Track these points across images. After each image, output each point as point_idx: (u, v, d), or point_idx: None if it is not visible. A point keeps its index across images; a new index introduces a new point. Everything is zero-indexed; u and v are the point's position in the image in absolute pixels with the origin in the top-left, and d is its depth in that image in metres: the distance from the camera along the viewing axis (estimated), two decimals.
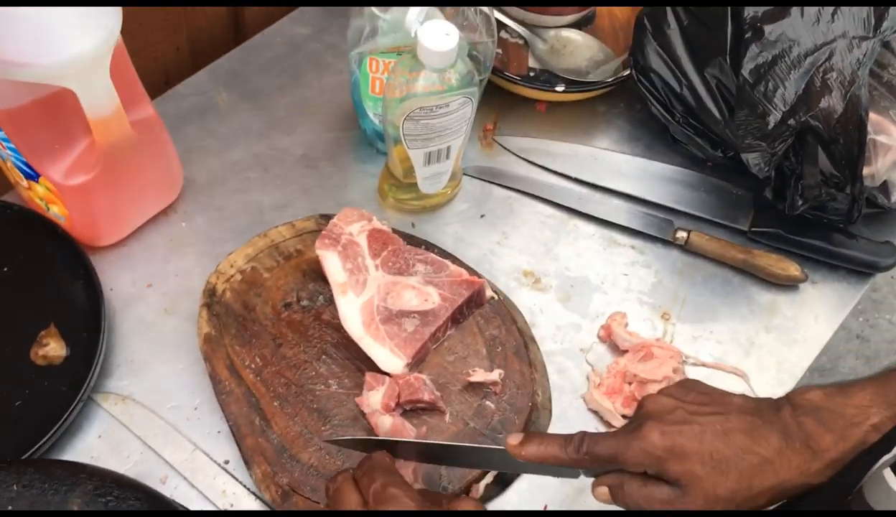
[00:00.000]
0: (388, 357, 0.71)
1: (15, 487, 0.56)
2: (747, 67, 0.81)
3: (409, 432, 0.70)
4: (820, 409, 0.56)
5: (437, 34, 0.70)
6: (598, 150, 0.94)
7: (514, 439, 0.60)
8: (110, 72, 0.67)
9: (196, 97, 0.93)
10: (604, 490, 0.59)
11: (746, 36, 0.80)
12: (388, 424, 0.69)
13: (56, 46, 0.62)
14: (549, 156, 0.93)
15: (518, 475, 0.72)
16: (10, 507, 0.55)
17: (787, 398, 0.58)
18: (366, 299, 0.73)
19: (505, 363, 0.74)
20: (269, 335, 0.75)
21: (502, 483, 0.71)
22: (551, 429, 0.75)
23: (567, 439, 0.59)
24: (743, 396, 0.59)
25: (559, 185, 0.91)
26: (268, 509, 0.68)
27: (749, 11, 0.80)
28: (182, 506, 0.64)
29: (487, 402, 0.72)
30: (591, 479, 0.61)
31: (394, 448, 0.62)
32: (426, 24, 0.71)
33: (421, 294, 0.74)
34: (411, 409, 0.72)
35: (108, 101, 0.68)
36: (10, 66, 0.62)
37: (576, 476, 0.61)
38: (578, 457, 0.58)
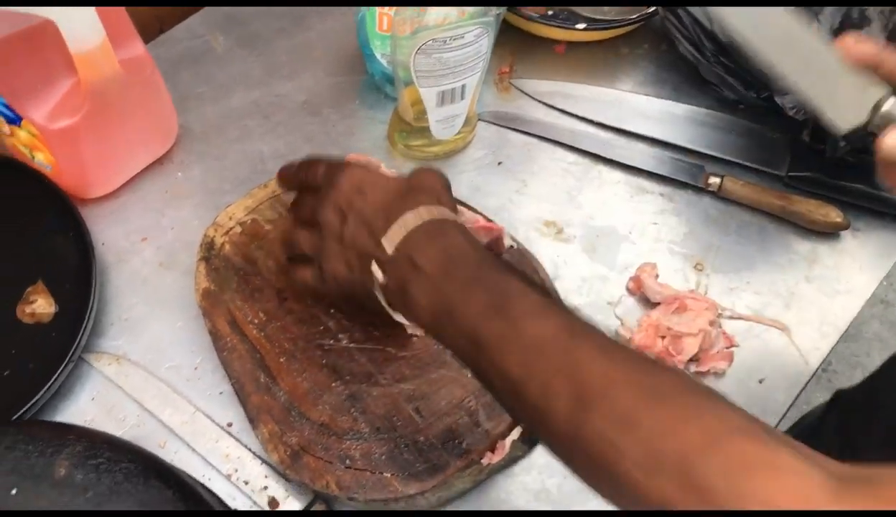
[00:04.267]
0: None
1: None
2: None
3: None
4: None
5: None
6: (621, 92, 0.88)
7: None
8: (95, 5, 0.61)
9: (190, 42, 0.88)
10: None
11: None
12: None
13: None
14: (570, 99, 0.87)
15: None
16: None
17: None
18: None
19: None
20: (273, 289, 0.69)
21: (530, 441, 0.66)
22: None
23: None
24: None
25: (581, 130, 0.85)
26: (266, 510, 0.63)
27: None
28: (183, 470, 0.59)
29: None
30: None
31: None
32: None
33: None
34: None
35: (92, 33, 0.62)
36: None
37: None
38: None
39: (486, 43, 0.71)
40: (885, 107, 0.52)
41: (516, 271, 0.53)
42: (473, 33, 0.69)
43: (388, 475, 0.61)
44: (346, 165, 0.61)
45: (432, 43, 0.68)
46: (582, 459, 0.43)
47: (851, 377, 1.65)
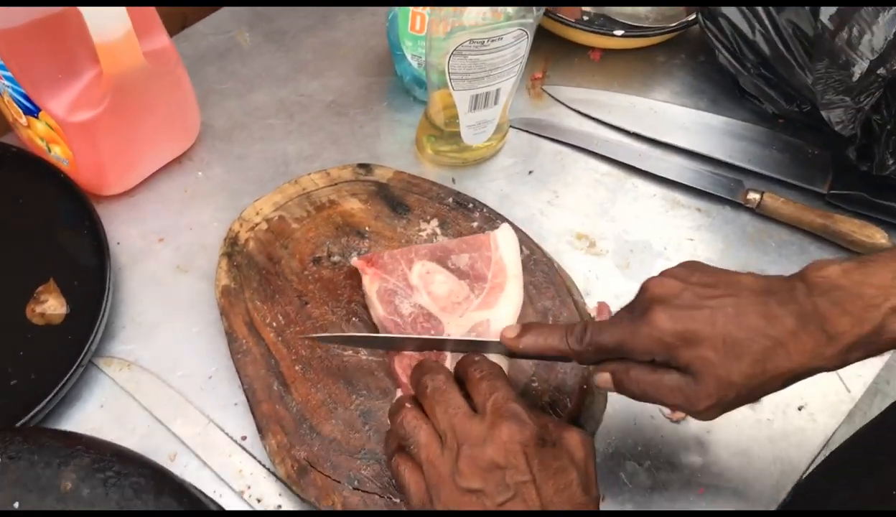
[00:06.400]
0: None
1: (0, 458, 0.48)
2: (826, 12, 0.71)
3: None
4: (836, 289, 0.50)
5: None
6: (657, 102, 0.85)
7: (510, 331, 0.58)
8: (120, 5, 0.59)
9: (216, 36, 0.85)
10: (606, 376, 0.55)
11: None
12: None
13: None
14: (604, 108, 0.84)
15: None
16: None
17: (802, 276, 0.51)
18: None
19: None
20: (295, 291, 0.67)
21: None
22: (609, 412, 0.66)
23: (568, 329, 0.56)
24: (752, 275, 0.53)
25: (615, 140, 0.82)
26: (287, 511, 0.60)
27: None
28: (192, 485, 0.56)
29: (534, 384, 0.64)
30: None
31: (386, 344, 0.63)
32: None
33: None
34: None
35: (117, 23, 0.59)
36: None
37: (568, 361, 0.58)
38: (581, 348, 0.55)
39: (524, 46, 0.68)
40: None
41: None
42: (512, 35, 0.66)
43: (398, 501, 0.58)
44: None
45: (469, 44, 0.65)
46: None
47: (870, 404, 1.62)
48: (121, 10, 0.59)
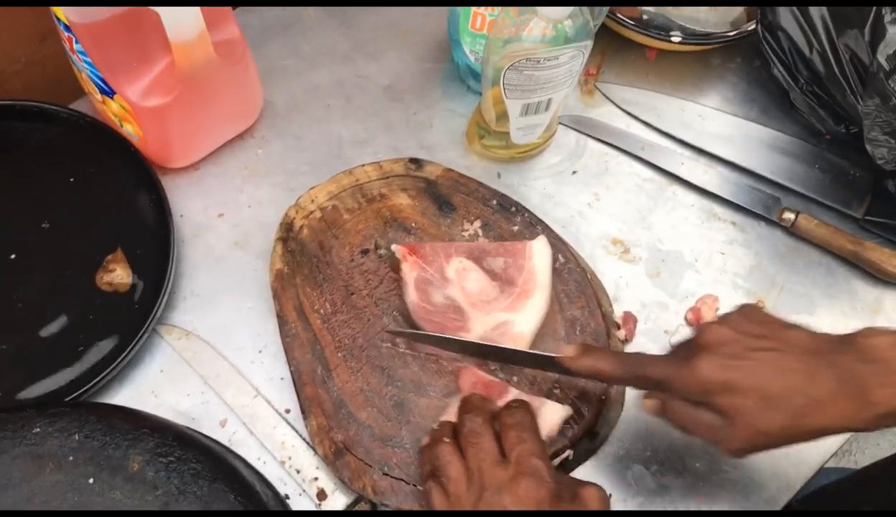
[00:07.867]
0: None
1: (77, 436, 0.54)
2: (884, 52, 0.71)
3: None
4: (882, 361, 0.54)
5: None
6: (707, 108, 0.86)
7: (570, 351, 0.62)
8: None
9: (281, 9, 0.87)
10: (655, 403, 0.60)
11: (888, 17, 0.71)
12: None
13: None
14: (654, 111, 0.85)
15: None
16: (70, 458, 0.53)
17: (852, 340, 0.56)
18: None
19: None
20: (342, 281, 0.71)
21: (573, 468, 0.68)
22: (624, 418, 0.71)
23: (622, 358, 0.61)
24: (805, 331, 0.57)
25: (661, 146, 0.84)
26: (329, 510, 0.66)
27: None
28: (240, 455, 0.62)
29: (556, 391, 0.68)
30: None
31: (452, 345, 0.68)
32: None
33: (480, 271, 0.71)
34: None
35: (192, 25, 0.63)
36: None
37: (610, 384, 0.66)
38: (629, 376, 0.59)
39: (579, 63, 0.69)
40: None
41: None
42: (568, 55, 0.67)
43: (422, 488, 0.63)
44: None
45: (526, 61, 0.67)
46: None
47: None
48: (196, 13, 0.62)
